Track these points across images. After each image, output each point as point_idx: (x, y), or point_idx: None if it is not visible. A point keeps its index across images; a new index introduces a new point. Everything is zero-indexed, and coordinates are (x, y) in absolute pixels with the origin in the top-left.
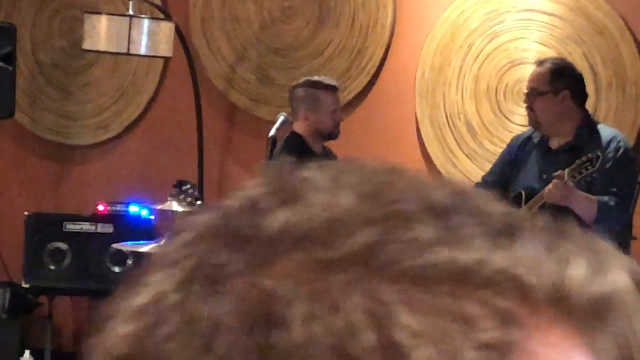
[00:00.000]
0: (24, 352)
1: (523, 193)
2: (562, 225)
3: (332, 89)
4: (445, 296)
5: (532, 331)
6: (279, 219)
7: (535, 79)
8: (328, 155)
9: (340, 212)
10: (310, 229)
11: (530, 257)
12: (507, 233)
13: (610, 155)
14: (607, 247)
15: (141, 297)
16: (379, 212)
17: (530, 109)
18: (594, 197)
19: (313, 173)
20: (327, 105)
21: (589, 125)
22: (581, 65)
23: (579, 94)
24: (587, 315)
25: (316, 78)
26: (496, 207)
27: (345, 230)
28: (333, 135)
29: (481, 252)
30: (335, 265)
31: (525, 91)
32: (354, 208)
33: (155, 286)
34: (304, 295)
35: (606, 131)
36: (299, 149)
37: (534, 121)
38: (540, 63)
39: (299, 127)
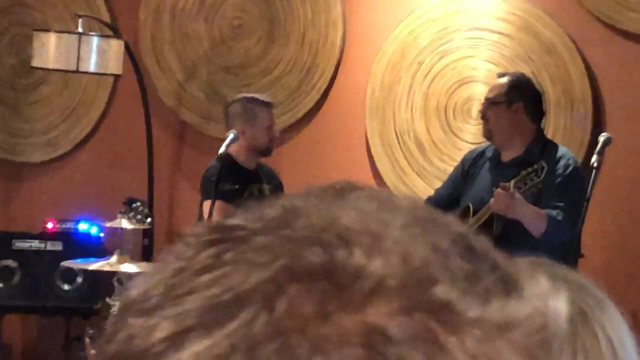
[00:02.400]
0: None
1: (470, 206)
2: None
3: (268, 105)
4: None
5: None
6: (371, 265)
7: (492, 89)
8: (262, 170)
9: (418, 263)
10: (400, 276)
11: (539, 294)
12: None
13: (559, 171)
14: None
15: (218, 343)
16: (442, 259)
17: (485, 117)
18: (543, 211)
19: (364, 204)
20: (263, 120)
21: (540, 141)
22: None
23: (533, 109)
24: None
25: (252, 95)
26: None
27: (428, 280)
28: (267, 151)
29: (532, 300)
30: (429, 311)
31: (484, 98)
32: (426, 257)
33: (236, 329)
34: (415, 337)
35: (559, 149)
36: (221, 167)
37: (487, 130)
38: (501, 75)
39: (234, 146)
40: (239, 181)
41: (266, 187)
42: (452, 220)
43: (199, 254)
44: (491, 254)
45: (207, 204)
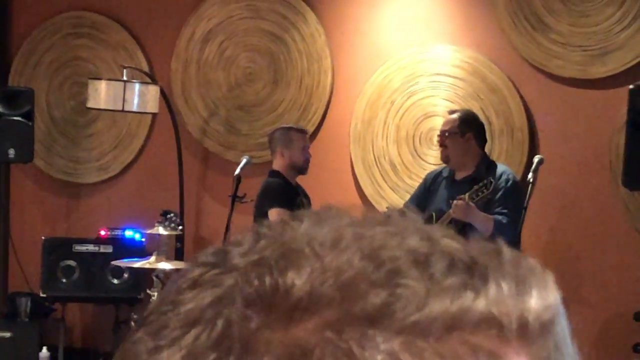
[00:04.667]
0: (42, 348)
1: (433, 214)
2: (513, 255)
3: (302, 131)
4: (441, 343)
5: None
6: (299, 281)
7: (447, 123)
8: (299, 186)
9: (349, 276)
10: (328, 292)
11: (499, 297)
12: (478, 274)
13: (502, 185)
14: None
15: (174, 355)
16: (382, 273)
17: (443, 146)
18: (490, 216)
19: (313, 229)
20: (298, 143)
21: (485, 162)
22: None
23: (480, 137)
24: (539, 337)
25: (289, 124)
26: (458, 243)
27: (357, 292)
28: (303, 169)
29: (463, 300)
30: (352, 324)
31: (440, 130)
32: (360, 271)
33: (187, 345)
34: (331, 352)
35: (498, 167)
36: (280, 181)
37: (445, 156)
38: (452, 112)
39: (276, 164)
40: (291, 193)
41: (304, 200)
42: (410, 228)
43: (190, 272)
44: (446, 258)
45: (274, 211)
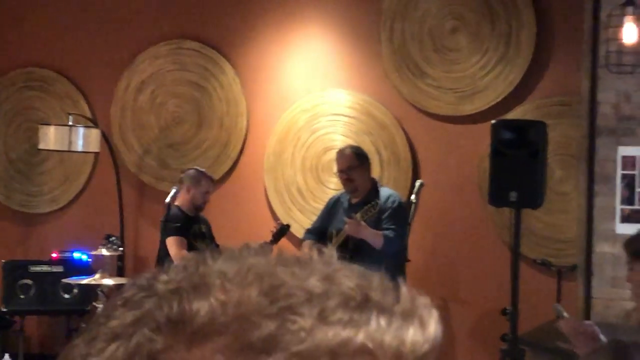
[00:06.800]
0: (4, 355)
1: (333, 231)
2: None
3: (211, 179)
4: None
5: None
6: (202, 310)
7: (346, 160)
8: (198, 216)
9: (246, 309)
10: (225, 321)
11: (378, 332)
12: (365, 311)
13: (389, 206)
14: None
15: None
16: (275, 308)
17: (350, 180)
18: (379, 232)
19: (225, 265)
20: (204, 187)
21: (375, 187)
22: (371, 149)
23: (369, 166)
24: None
25: (203, 169)
26: (356, 282)
27: (250, 323)
28: (200, 208)
29: (344, 333)
30: (243, 351)
31: (341, 169)
32: (256, 305)
33: (107, 357)
34: None
35: (386, 191)
36: (178, 214)
37: (353, 188)
38: (343, 149)
39: (180, 199)
40: (187, 224)
41: (203, 227)
42: (316, 269)
43: (125, 291)
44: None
45: (170, 239)
